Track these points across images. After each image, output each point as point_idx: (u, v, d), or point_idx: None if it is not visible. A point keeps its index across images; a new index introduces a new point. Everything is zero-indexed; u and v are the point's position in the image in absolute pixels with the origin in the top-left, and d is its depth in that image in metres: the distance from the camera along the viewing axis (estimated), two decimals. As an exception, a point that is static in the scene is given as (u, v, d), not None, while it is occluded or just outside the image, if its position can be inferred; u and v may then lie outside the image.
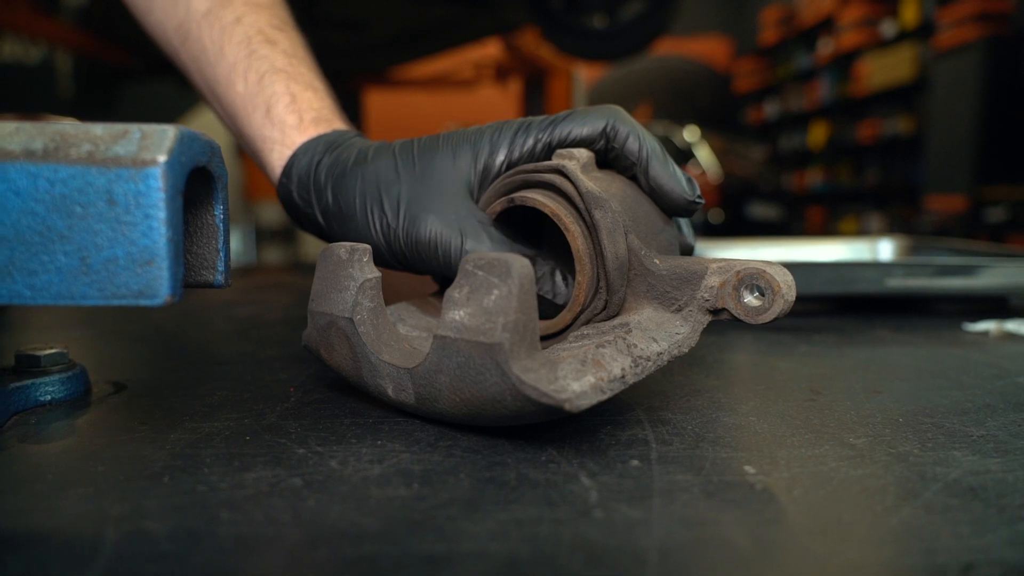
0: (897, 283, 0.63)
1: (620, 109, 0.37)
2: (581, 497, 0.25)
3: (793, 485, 0.26)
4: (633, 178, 0.38)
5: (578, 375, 0.28)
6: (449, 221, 0.36)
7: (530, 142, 0.37)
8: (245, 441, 0.30)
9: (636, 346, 0.31)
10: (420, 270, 0.39)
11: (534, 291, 0.28)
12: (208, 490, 0.25)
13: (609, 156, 0.37)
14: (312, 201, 0.40)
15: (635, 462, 0.28)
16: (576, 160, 0.36)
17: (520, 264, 0.27)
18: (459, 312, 0.28)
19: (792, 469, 0.28)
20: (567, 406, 0.26)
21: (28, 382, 0.35)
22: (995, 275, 0.63)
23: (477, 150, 0.37)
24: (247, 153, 0.46)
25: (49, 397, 0.36)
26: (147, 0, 0.47)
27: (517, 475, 0.27)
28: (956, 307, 0.71)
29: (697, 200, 0.37)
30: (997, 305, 0.71)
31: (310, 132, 0.42)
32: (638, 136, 0.36)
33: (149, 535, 0.22)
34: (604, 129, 0.37)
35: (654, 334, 0.33)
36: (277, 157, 0.42)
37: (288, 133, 0.42)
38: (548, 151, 0.37)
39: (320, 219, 0.40)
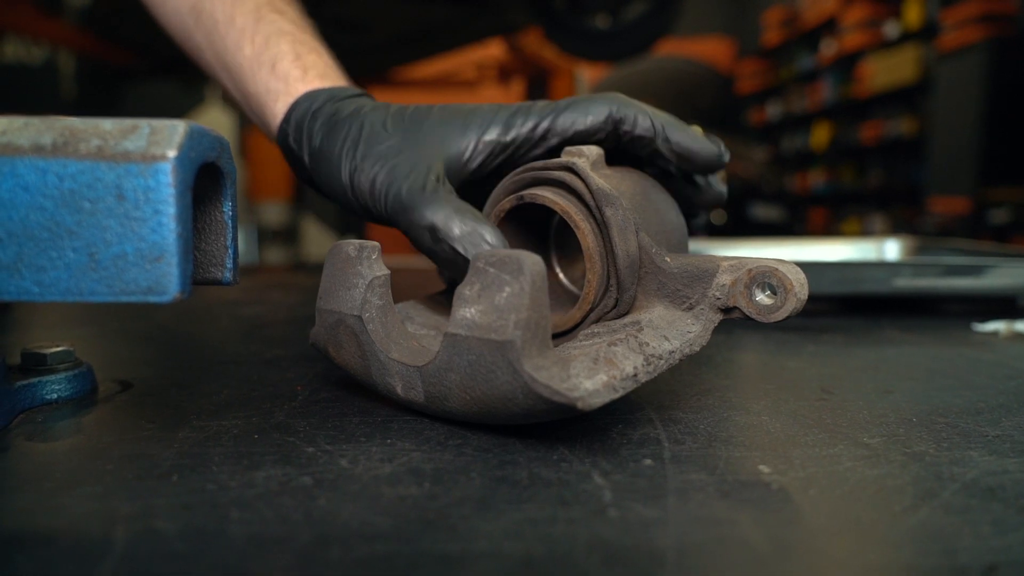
0: (905, 283, 0.63)
1: (622, 95, 0.37)
2: (595, 496, 0.25)
3: (809, 485, 0.26)
4: (654, 155, 0.37)
5: (590, 373, 0.28)
6: (406, 175, 0.36)
7: (529, 124, 0.37)
8: (254, 440, 0.30)
9: (648, 344, 0.31)
10: (376, 219, 0.38)
11: (546, 288, 0.27)
12: (218, 489, 0.25)
13: (623, 141, 0.37)
14: (303, 143, 0.40)
15: (648, 461, 0.28)
16: (586, 157, 0.36)
17: (532, 261, 0.27)
18: (470, 310, 0.28)
19: (807, 469, 0.27)
20: (579, 404, 0.26)
21: (34, 380, 0.35)
22: (1003, 275, 0.63)
23: (468, 124, 0.37)
24: (251, 116, 0.47)
25: (55, 395, 0.35)
26: None
27: (529, 474, 0.27)
28: (964, 307, 0.70)
29: (724, 153, 0.37)
30: (1006, 305, 0.70)
31: (315, 84, 0.43)
32: (647, 113, 0.36)
33: (159, 534, 0.22)
34: (609, 115, 0.36)
35: (666, 332, 0.33)
36: (281, 106, 0.43)
37: (292, 84, 0.43)
38: (546, 138, 0.37)
39: (306, 160, 0.40)
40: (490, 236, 0.34)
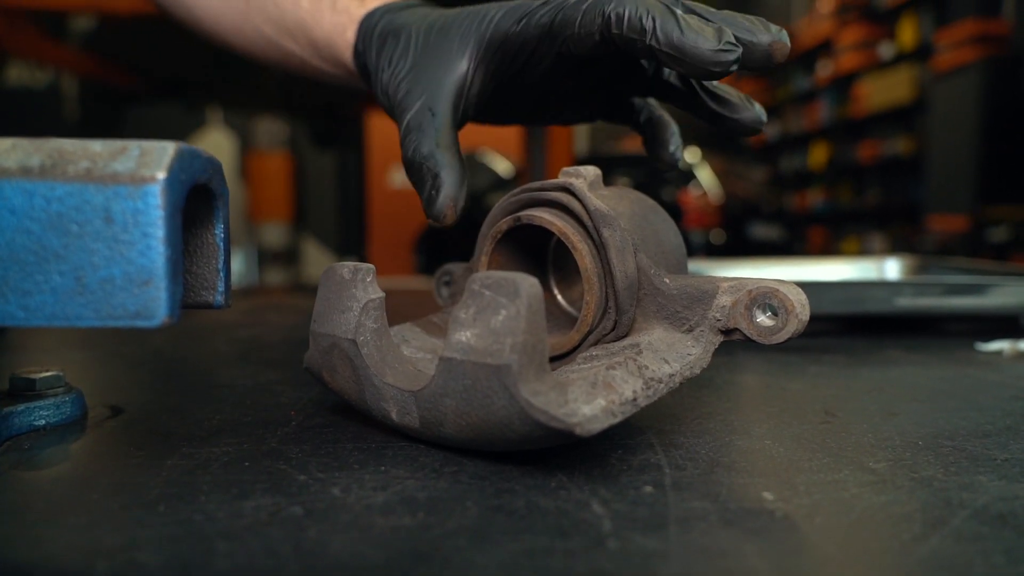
0: (907, 302, 0.62)
1: None
2: (594, 526, 0.24)
3: (815, 512, 0.25)
4: (652, 57, 0.33)
5: (589, 398, 0.27)
6: (420, 108, 0.38)
7: (526, 35, 0.36)
8: (244, 467, 0.29)
9: (647, 368, 0.30)
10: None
11: (543, 311, 0.27)
12: (205, 519, 0.24)
13: (619, 45, 0.34)
14: (369, 64, 0.43)
15: (648, 488, 0.27)
16: (583, 178, 0.35)
17: (529, 284, 0.26)
18: (465, 333, 0.28)
19: (812, 495, 0.27)
20: (578, 430, 0.26)
21: (22, 406, 0.34)
22: (1006, 294, 0.62)
23: (463, 48, 0.38)
24: (326, 76, 0.48)
25: (44, 422, 0.35)
26: None
27: (526, 503, 0.26)
28: (966, 327, 0.70)
29: (725, 49, 0.31)
30: (1008, 324, 0.69)
31: (372, 4, 0.44)
32: (642, 8, 0.32)
33: (142, 567, 0.21)
34: (602, 23, 0.33)
35: (665, 355, 0.32)
36: (349, 36, 0.44)
37: (353, 12, 0.44)
38: (541, 48, 0.37)
39: (371, 80, 0.42)
40: (441, 171, 0.37)
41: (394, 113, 0.40)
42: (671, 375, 0.31)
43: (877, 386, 0.46)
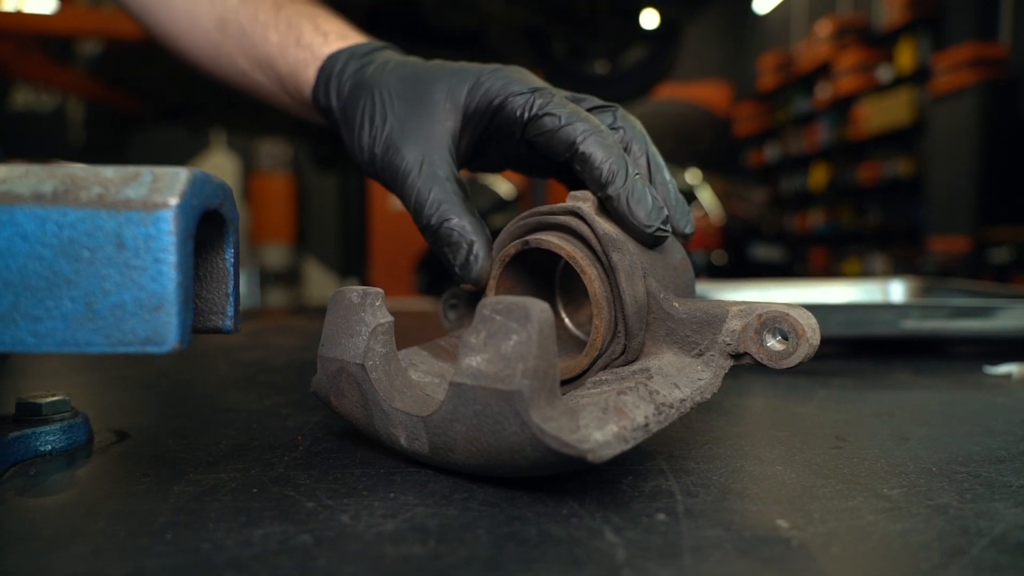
0: (913, 325, 0.62)
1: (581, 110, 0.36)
2: (608, 555, 0.23)
3: (831, 541, 0.25)
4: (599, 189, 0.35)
5: (600, 424, 0.27)
6: (427, 174, 0.38)
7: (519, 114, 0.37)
8: (252, 494, 0.29)
9: (658, 393, 0.30)
10: (391, 190, 0.41)
11: (554, 336, 0.27)
12: (213, 548, 0.24)
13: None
14: (332, 106, 0.43)
15: (661, 516, 0.27)
16: (591, 202, 0.35)
17: (540, 308, 0.26)
18: (476, 358, 0.27)
19: (828, 523, 0.26)
20: (590, 456, 0.25)
21: (28, 431, 0.34)
22: (1014, 317, 0.62)
23: (473, 93, 0.38)
24: (292, 106, 0.49)
25: (50, 447, 0.34)
26: (186, 17, 0.52)
27: (538, 531, 0.25)
28: (973, 349, 0.69)
29: (660, 230, 0.34)
30: (1016, 347, 0.69)
31: (337, 45, 0.45)
32: (608, 157, 0.35)
33: (150, 599, 0.21)
34: (570, 155, 0.36)
35: (676, 380, 0.32)
36: (312, 72, 0.45)
37: (317, 50, 0.45)
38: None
39: (339, 124, 0.43)
40: (475, 239, 0.37)
41: (380, 171, 0.40)
42: (682, 400, 0.31)
43: (886, 410, 0.45)
